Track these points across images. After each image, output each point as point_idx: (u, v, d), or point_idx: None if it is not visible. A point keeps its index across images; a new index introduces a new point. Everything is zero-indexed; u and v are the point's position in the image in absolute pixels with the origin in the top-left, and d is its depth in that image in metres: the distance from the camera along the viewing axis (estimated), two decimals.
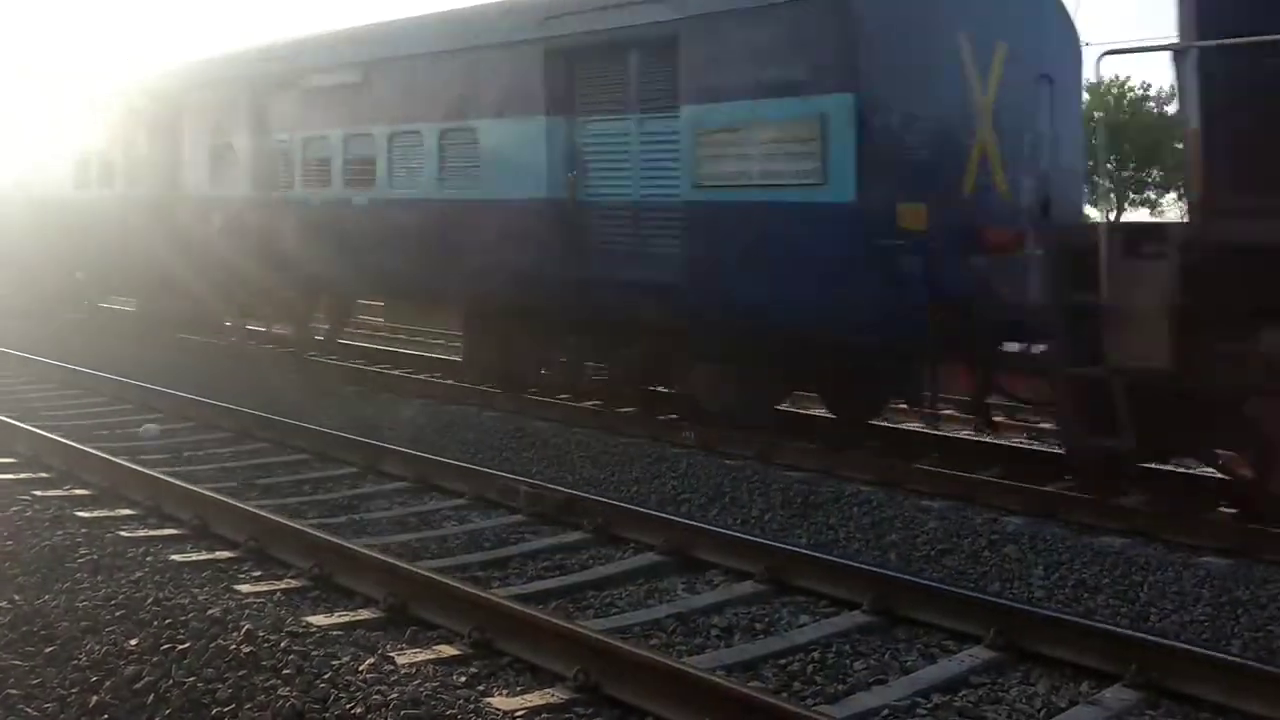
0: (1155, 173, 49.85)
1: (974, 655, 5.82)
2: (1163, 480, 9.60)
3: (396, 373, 15.70)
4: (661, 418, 11.99)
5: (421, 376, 15.17)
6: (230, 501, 8.06)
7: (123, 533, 7.67)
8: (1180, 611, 6.59)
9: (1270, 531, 7.94)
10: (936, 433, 11.79)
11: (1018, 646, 5.83)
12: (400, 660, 5.37)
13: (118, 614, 5.63)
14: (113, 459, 9.23)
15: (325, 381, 14.68)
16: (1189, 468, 10.76)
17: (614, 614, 6.52)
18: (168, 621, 5.51)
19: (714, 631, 6.22)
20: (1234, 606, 6.60)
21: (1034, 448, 11.40)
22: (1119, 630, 5.93)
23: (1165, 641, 5.73)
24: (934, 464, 10.18)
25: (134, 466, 9.04)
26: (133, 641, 5.25)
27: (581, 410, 12.49)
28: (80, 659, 5.10)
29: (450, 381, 14.38)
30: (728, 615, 6.46)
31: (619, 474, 9.83)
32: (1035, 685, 5.56)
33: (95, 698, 4.74)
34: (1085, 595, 6.91)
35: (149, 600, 5.85)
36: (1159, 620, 6.51)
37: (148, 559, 6.93)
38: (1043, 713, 5.28)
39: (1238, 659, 5.58)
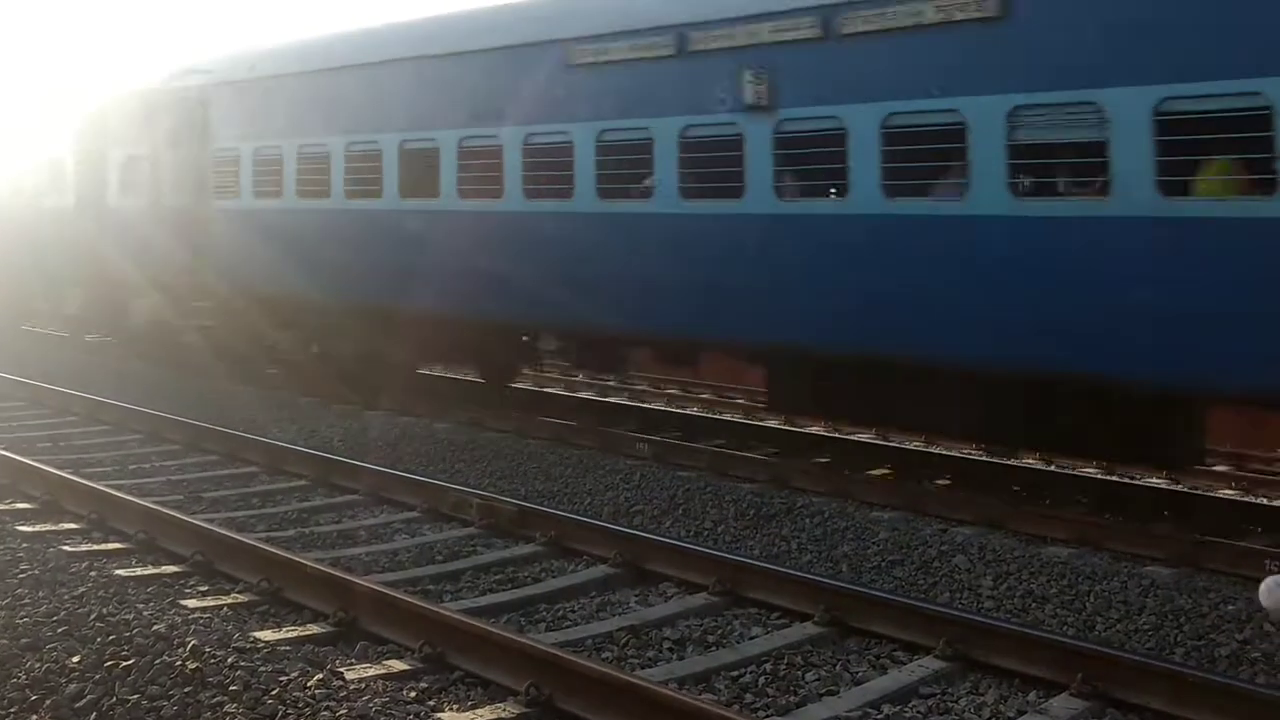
0: None
1: (924, 665, 5.86)
2: (1110, 490, 9.77)
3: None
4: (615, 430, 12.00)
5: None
6: (177, 515, 7.94)
7: (66, 547, 7.53)
8: (1125, 621, 6.69)
9: (1212, 542, 8.09)
10: (887, 443, 11.90)
11: (967, 656, 5.88)
12: (349, 675, 5.32)
13: (59, 630, 5.52)
14: (57, 472, 9.06)
15: (280, 393, 14.53)
16: (1134, 478, 10.95)
17: (566, 627, 6.50)
18: (111, 638, 5.41)
19: (666, 644, 6.22)
20: (1177, 615, 6.71)
21: (981, 459, 11.53)
22: (1065, 640, 6.00)
23: (1110, 651, 5.82)
24: (884, 475, 10.27)
25: (78, 479, 8.89)
26: (75, 658, 5.15)
27: (535, 422, 12.45)
28: (20, 677, 4.99)
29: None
30: (680, 627, 6.46)
31: (572, 485, 9.82)
32: (984, 695, 5.61)
33: (35, 717, 4.65)
34: (1033, 605, 6.99)
35: (92, 616, 5.74)
36: (1105, 629, 6.60)
37: (91, 574, 6.81)
38: None
39: (1180, 667, 5.67)
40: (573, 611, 6.78)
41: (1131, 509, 9.31)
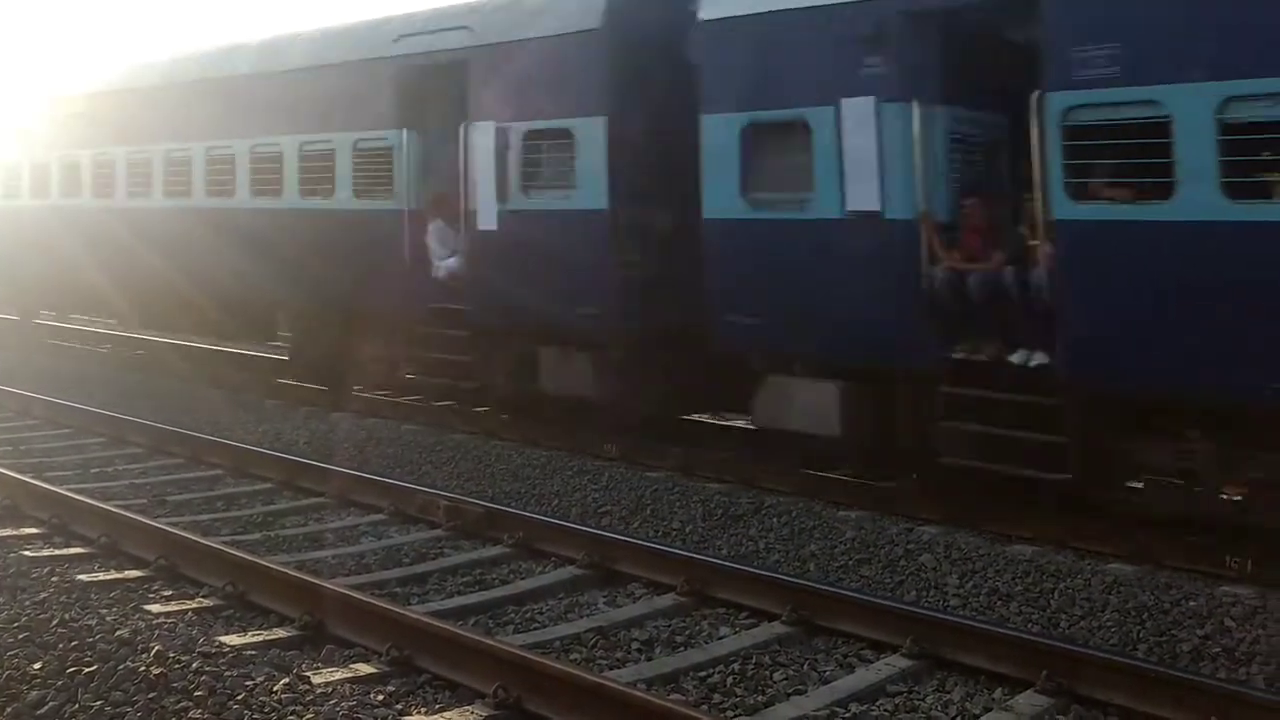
0: None
1: (891, 664, 5.90)
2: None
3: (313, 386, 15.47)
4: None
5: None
6: (140, 519, 7.86)
7: (27, 552, 7.44)
8: (1089, 618, 6.76)
9: (1174, 539, 8.18)
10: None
11: (934, 655, 5.93)
12: (316, 680, 5.29)
13: (21, 637, 5.46)
14: (17, 476, 8.95)
15: (244, 395, 14.41)
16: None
17: (534, 629, 6.49)
18: (73, 644, 5.36)
19: (635, 645, 6.23)
20: (1139, 612, 6.78)
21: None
22: (1030, 637, 6.06)
23: (1074, 648, 5.88)
24: (851, 474, 10.31)
25: (39, 483, 8.78)
26: (36, 665, 5.09)
27: (501, 422, 12.42)
28: None
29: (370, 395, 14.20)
30: (648, 628, 6.47)
31: (540, 487, 9.80)
32: (951, 693, 5.66)
33: None
34: (999, 603, 7.05)
35: (54, 622, 5.68)
36: (1069, 626, 6.67)
37: (53, 579, 6.73)
38: (958, 719, 5.38)
39: (1143, 663, 5.75)
40: (541, 613, 6.77)
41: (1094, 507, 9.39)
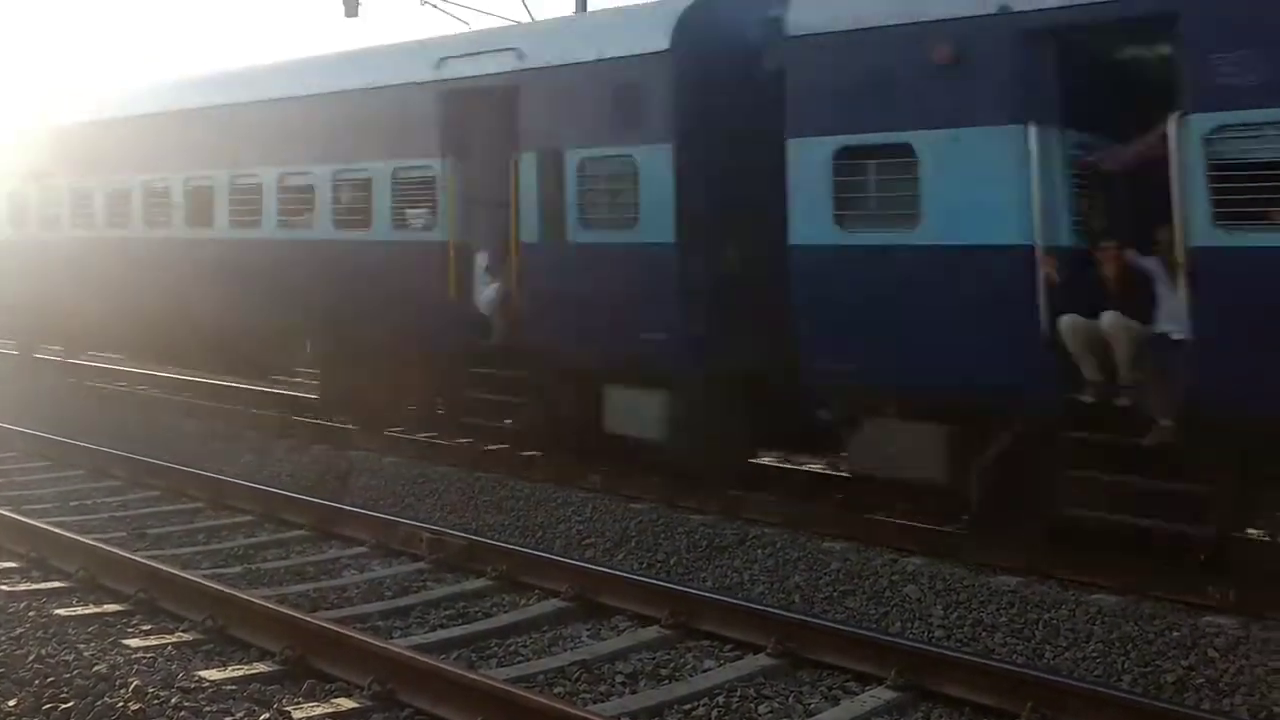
0: None
1: (876, 696, 5.88)
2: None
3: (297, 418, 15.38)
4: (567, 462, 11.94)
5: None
6: (119, 552, 7.79)
7: (4, 587, 7.36)
8: (1074, 648, 6.75)
9: (1157, 569, 8.19)
10: (838, 474, 11.94)
11: (919, 686, 5.91)
12: (297, 715, 5.24)
13: None
14: None
15: (225, 426, 14.32)
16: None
17: (518, 662, 6.44)
18: (50, 679, 5.29)
19: (619, 678, 6.19)
20: (1124, 643, 6.78)
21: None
22: (1015, 668, 6.05)
23: (1059, 679, 5.88)
24: (836, 506, 10.30)
25: (17, 517, 8.69)
26: (11, 702, 5.02)
27: (485, 454, 12.37)
28: None
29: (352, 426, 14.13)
30: (633, 661, 6.43)
31: (524, 519, 9.76)
32: None
33: None
34: (983, 634, 7.04)
35: (30, 658, 5.61)
36: (1053, 657, 6.66)
37: (30, 614, 6.65)
38: None
39: (1127, 694, 5.75)
40: (524, 646, 6.73)
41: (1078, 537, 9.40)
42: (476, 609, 7.39)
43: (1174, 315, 7.74)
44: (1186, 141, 7.41)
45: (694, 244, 10.02)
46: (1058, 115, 8.19)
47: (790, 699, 5.93)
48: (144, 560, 7.62)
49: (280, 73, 14.61)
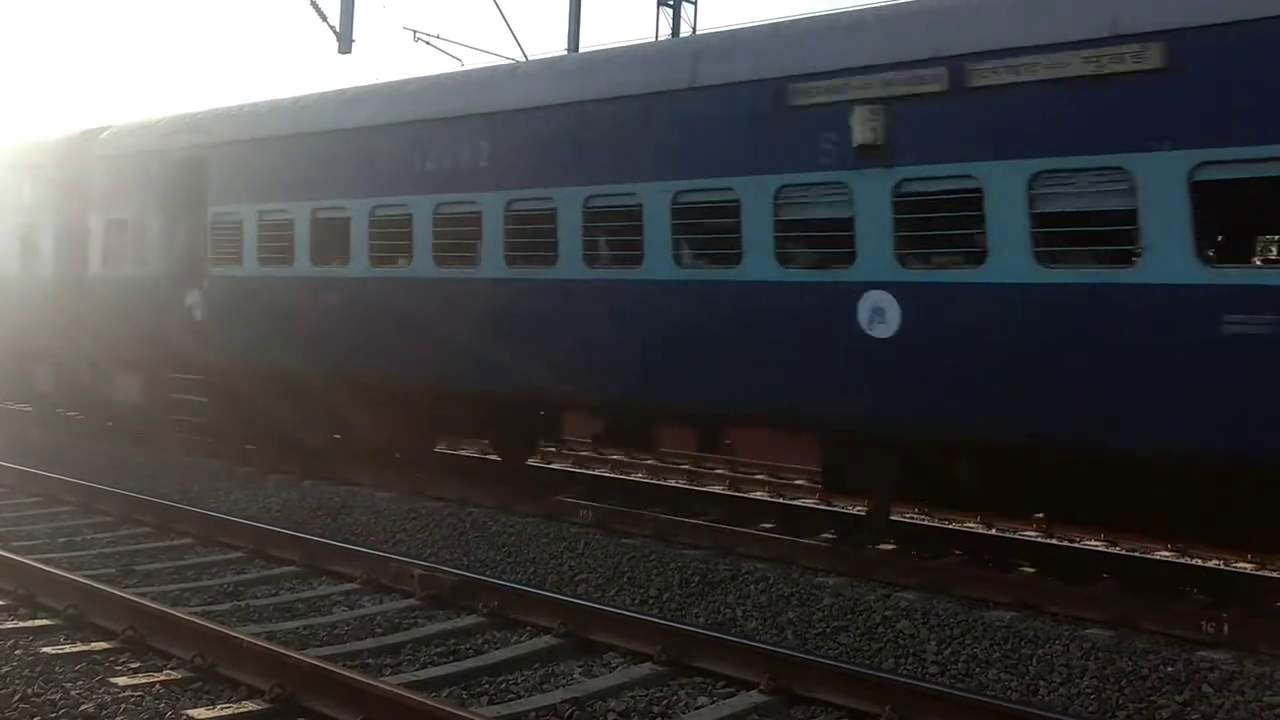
0: None
1: None
2: (1048, 553, 9.85)
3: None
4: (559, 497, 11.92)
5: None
6: (108, 589, 7.73)
7: None
8: (1068, 684, 6.72)
9: (1150, 603, 8.19)
10: (829, 508, 11.94)
11: None
12: None
13: None
14: None
15: (215, 462, 14.27)
16: (1074, 540, 11.08)
17: (509, 700, 6.39)
18: (36, 719, 5.23)
19: (611, 716, 6.14)
20: (1118, 678, 6.76)
21: (926, 523, 11.60)
22: (1010, 705, 6.01)
23: (1054, 715, 5.84)
24: (827, 541, 10.29)
25: (5, 554, 8.62)
26: None
27: (476, 490, 12.33)
28: None
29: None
30: (625, 698, 6.39)
31: (515, 554, 9.72)
32: None
33: None
34: (977, 669, 7.01)
35: (16, 697, 5.56)
36: (1048, 693, 6.63)
37: (16, 652, 6.59)
38: None
39: None
40: (516, 683, 6.68)
41: (1071, 571, 9.41)
42: (468, 646, 7.35)
43: None
44: None
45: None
46: None
47: None
48: (133, 597, 7.56)
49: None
